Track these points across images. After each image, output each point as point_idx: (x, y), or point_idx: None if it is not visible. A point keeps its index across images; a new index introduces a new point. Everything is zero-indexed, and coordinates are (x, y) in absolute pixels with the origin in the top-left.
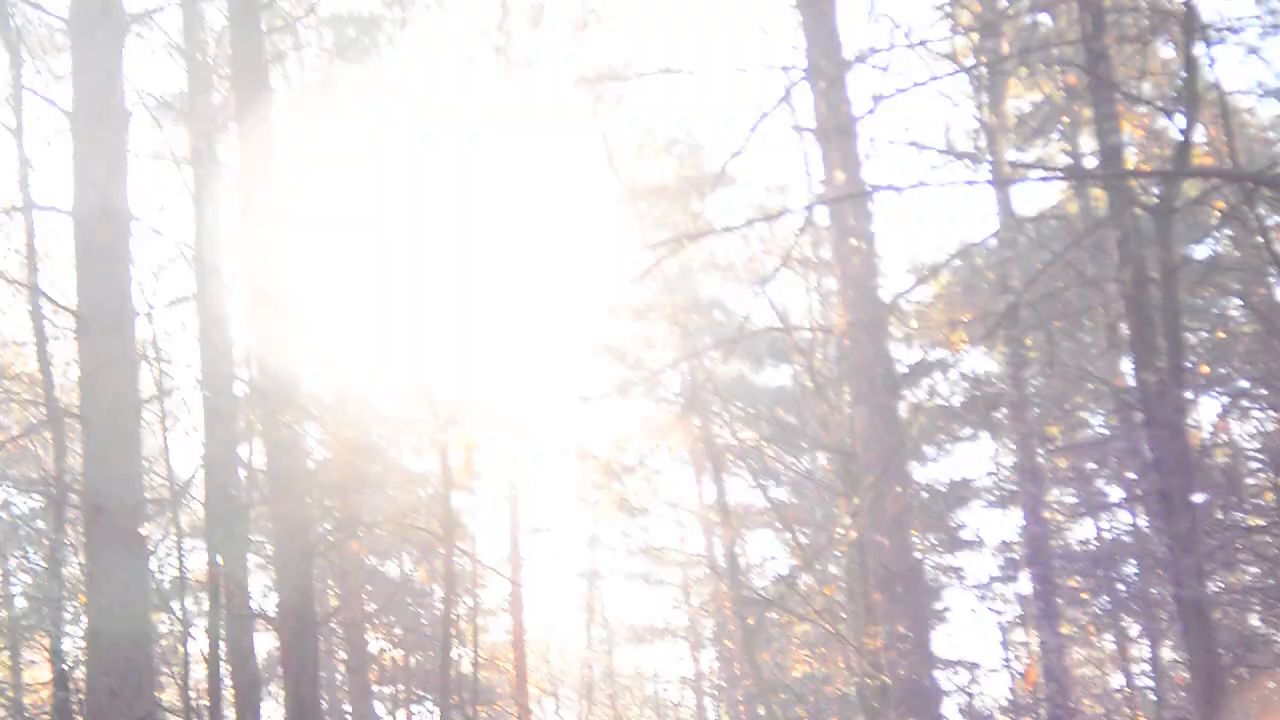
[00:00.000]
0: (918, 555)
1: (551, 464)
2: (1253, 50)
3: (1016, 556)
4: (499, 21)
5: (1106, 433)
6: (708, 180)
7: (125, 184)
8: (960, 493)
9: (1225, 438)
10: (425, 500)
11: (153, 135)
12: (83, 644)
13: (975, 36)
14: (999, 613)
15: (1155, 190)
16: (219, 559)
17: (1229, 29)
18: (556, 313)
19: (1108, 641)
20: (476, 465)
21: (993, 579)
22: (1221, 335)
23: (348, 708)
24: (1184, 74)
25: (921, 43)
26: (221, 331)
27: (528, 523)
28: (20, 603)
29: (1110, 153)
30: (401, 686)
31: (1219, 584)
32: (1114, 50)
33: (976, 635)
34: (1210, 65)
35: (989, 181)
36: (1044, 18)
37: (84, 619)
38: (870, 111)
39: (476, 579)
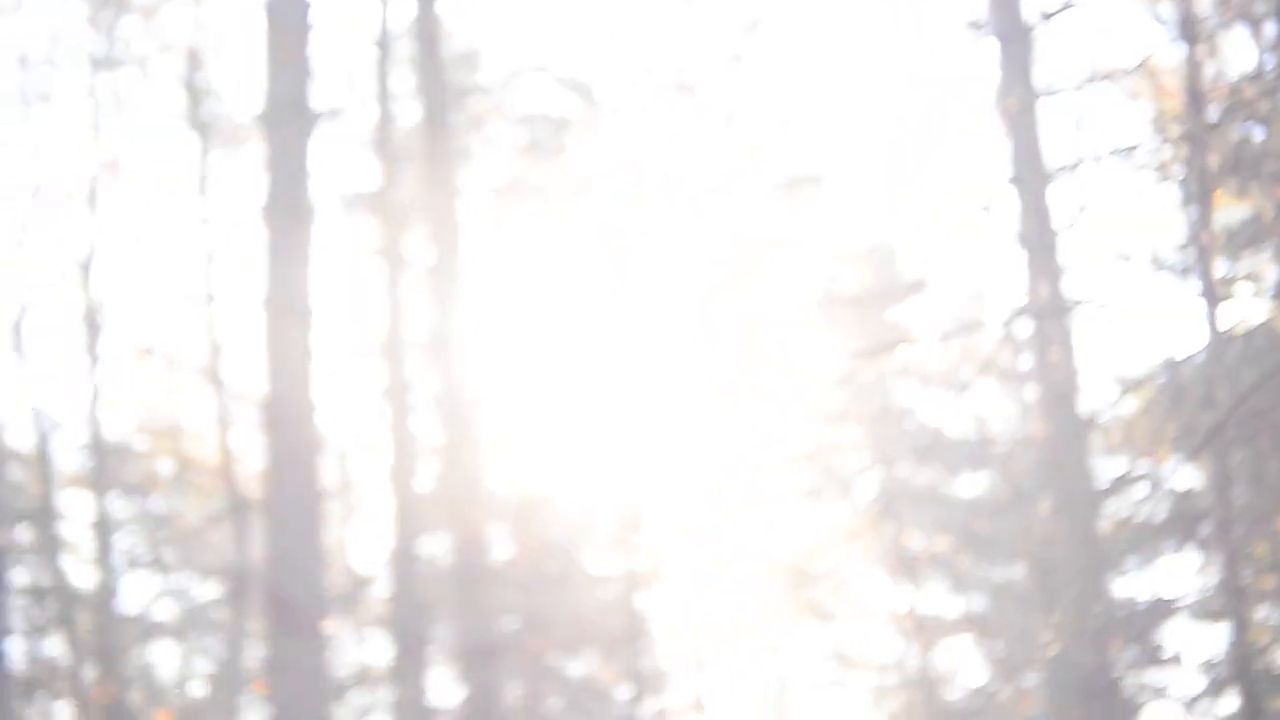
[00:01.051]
0: (1117, 671)
1: (740, 569)
2: None
3: (1220, 675)
4: (687, 121)
5: None
6: (905, 287)
7: (308, 278)
8: (1162, 609)
9: None
10: (609, 601)
11: (342, 228)
12: None
13: (1184, 149)
14: None
15: None
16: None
17: None
18: (746, 416)
19: None
20: (661, 568)
21: (1195, 698)
22: None
23: None
24: None
25: (1128, 151)
26: (408, 427)
27: (712, 624)
28: (198, 690)
29: None
30: None
31: None
32: None
33: None
34: None
35: (1197, 295)
36: (1256, 131)
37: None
38: (1074, 223)
39: (661, 681)
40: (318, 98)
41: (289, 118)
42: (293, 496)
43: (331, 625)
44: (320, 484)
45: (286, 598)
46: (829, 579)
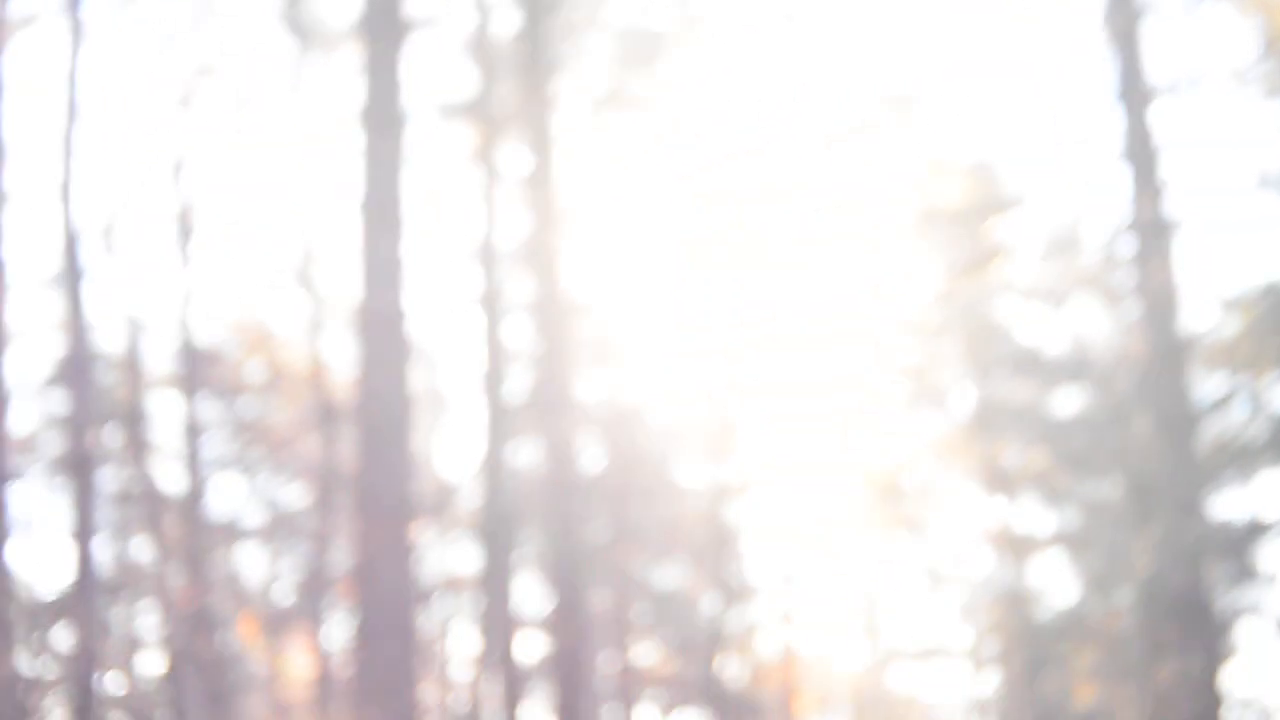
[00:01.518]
0: (1211, 590)
1: (833, 481)
2: None
3: None
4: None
5: None
6: (1005, 202)
7: (401, 182)
8: (1259, 529)
9: None
10: (699, 512)
11: (438, 136)
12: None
13: None
14: None
15: None
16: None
17: None
18: (845, 329)
19: None
20: (752, 479)
21: None
22: None
23: (615, 714)
24: None
25: (1236, 70)
26: (501, 335)
27: (803, 535)
28: (284, 595)
29: None
30: (670, 695)
31: None
32: None
33: (1272, 675)
34: None
35: None
36: None
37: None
38: (1178, 141)
39: (749, 593)
40: (413, 5)
41: (384, 24)
42: (383, 402)
43: (420, 531)
44: (410, 390)
45: (375, 502)
46: (922, 492)
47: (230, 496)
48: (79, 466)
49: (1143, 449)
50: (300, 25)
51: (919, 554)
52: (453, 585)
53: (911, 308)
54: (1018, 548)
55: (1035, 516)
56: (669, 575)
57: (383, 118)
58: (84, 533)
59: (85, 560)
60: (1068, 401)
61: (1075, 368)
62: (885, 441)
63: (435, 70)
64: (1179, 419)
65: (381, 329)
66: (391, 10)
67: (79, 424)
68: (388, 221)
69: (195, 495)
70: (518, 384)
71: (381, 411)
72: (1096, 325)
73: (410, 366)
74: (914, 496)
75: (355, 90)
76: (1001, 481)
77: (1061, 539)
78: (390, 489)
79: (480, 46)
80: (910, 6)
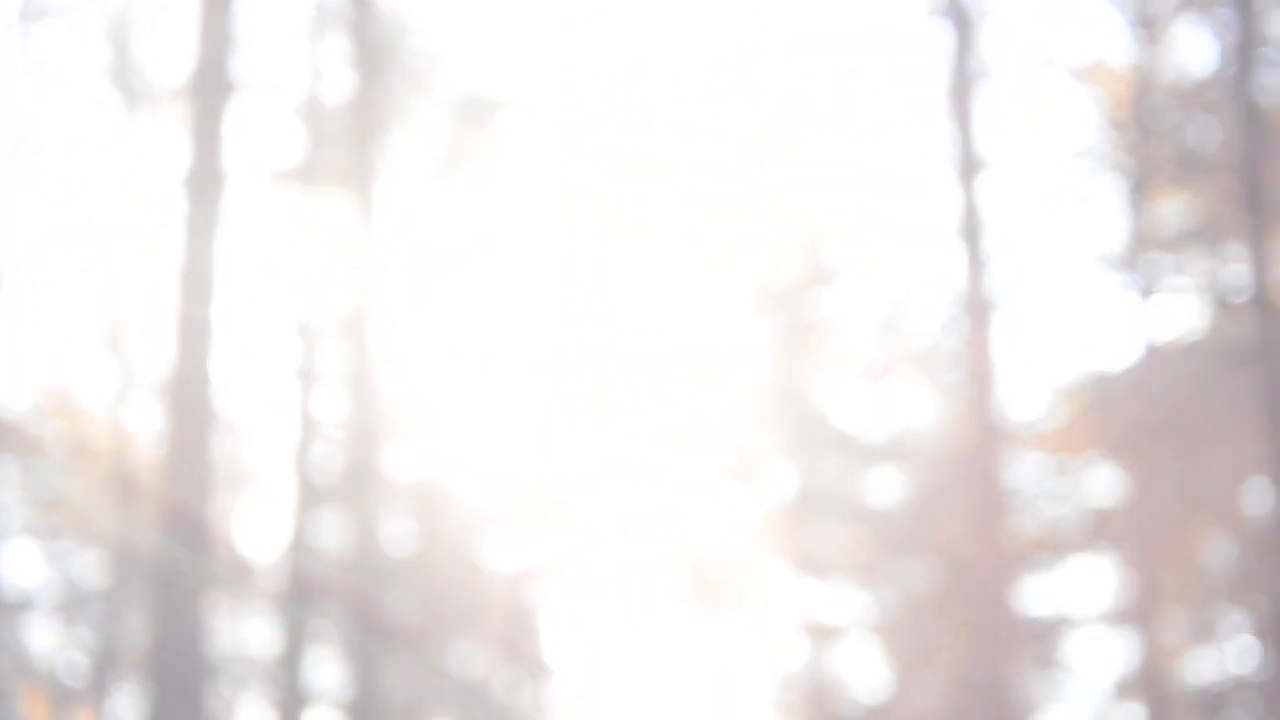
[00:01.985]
0: (1018, 678)
1: (642, 561)
2: None
3: (1126, 685)
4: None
5: (1228, 563)
6: (831, 276)
7: (217, 248)
8: (1067, 618)
9: None
10: (503, 592)
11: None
12: None
13: (1128, 141)
14: None
15: None
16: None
17: None
18: (669, 405)
19: None
20: (558, 559)
21: (1099, 708)
22: None
23: None
24: None
25: (1073, 145)
26: (312, 408)
27: (609, 617)
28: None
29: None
30: None
31: None
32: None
33: None
34: None
35: (1130, 295)
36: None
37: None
38: (1008, 217)
39: (548, 673)
40: (243, 67)
41: (210, 85)
42: (185, 472)
43: (216, 607)
44: (214, 461)
45: (171, 576)
46: (737, 575)
47: (21, 567)
48: None
49: (956, 536)
50: (127, 82)
51: (731, 639)
52: (249, 664)
53: (737, 385)
54: (828, 634)
55: (848, 602)
56: (469, 657)
57: (204, 180)
58: None
59: None
60: (886, 485)
61: (894, 451)
62: (702, 522)
63: (263, 133)
64: (991, 507)
65: (188, 397)
66: (218, 71)
67: None
68: (202, 287)
69: None
70: (327, 459)
71: (183, 482)
72: (920, 407)
73: (215, 437)
74: (728, 579)
75: (179, 152)
76: (815, 566)
77: (872, 623)
78: (188, 562)
79: (309, 110)
80: (752, 70)
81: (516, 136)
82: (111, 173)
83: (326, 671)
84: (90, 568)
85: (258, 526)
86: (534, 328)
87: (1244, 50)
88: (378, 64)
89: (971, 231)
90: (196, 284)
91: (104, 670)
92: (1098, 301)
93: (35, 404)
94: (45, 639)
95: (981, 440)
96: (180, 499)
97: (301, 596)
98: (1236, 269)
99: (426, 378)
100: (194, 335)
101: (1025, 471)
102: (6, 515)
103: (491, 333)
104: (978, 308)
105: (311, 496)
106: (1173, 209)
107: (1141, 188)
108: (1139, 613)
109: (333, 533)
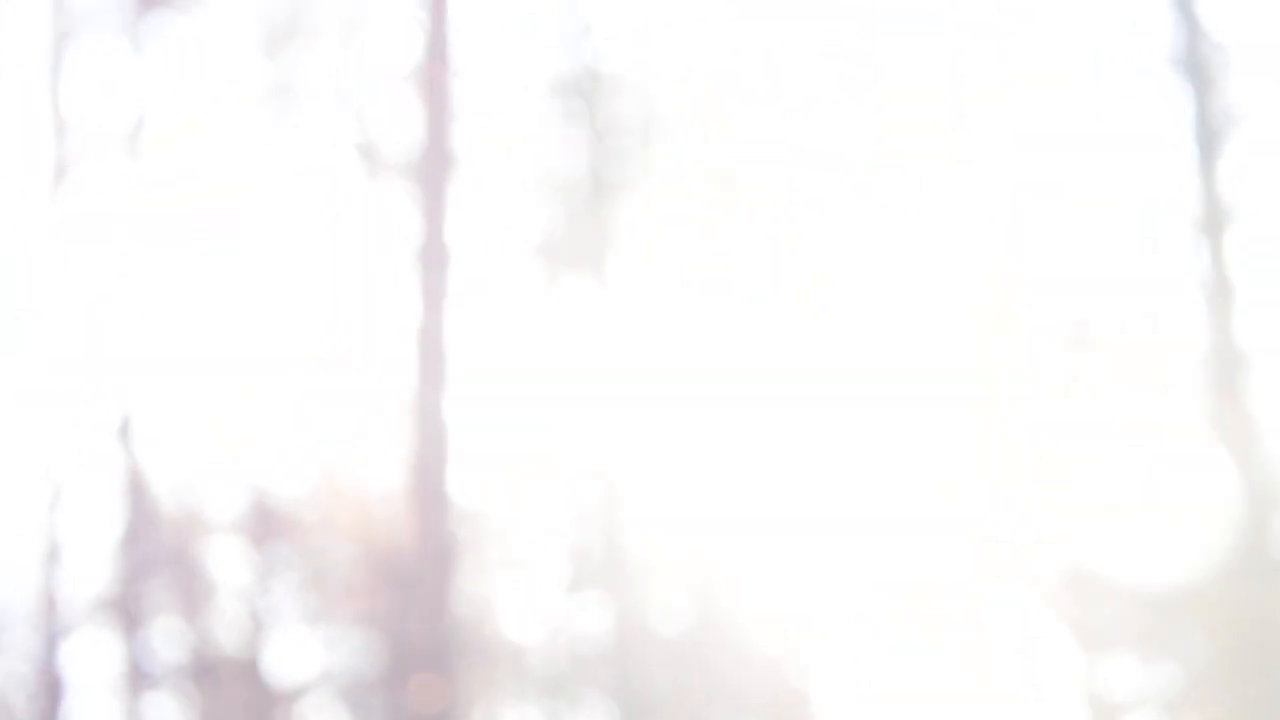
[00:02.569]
0: None
1: (916, 637)
2: None
3: None
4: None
5: None
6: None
7: (448, 321)
8: None
9: None
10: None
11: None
12: None
13: None
14: None
15: None
16: None
17: None
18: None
19: None
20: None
21: None
22: None
23: None
24: None
25: None
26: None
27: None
28: None
29: None
30: None
31: None
32: None
33: None
34: None
35: None
36: None
37: None
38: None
39: None
40: (472, 139)
41: (436, 160)
42: (431, 556)
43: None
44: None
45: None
46: (1012, 647)
47: (292, 655)
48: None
49: (1244, 609)
50: (369, 152)
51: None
52: None
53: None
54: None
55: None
56: None
57: (433, 255)
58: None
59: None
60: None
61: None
62: (983, 593)
63: (499, 207)
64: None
65: (429, 479)
66: (443, 144)
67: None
68: (434, 361)
69: (254, 653)
70: (586, 539)
71: (429, 563)
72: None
73: (456, 518)
74: (1007, 653)
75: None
76: (1097, 639)
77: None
78: (436, 644)
79: (543, 181)
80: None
81: (756, 203)
82: (345, 246)
83: None
84: (359, 654)
85: (518, 610)
86: (791, 400)
87: None
88: (613, 134)
89: (1219, 286)
90: (429, 357)
91: None
92: None
93: (300, 488)
94: None
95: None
96: (432, 581)
97: (566, 679)
98: None
99: (684, 452)
100: (429, 416)
101: None
102: (279, 601)
103: (748, 403)
104: (1227, 367)
105: (573, 577)
106: None
107: None
108: None
109: (594, 614)
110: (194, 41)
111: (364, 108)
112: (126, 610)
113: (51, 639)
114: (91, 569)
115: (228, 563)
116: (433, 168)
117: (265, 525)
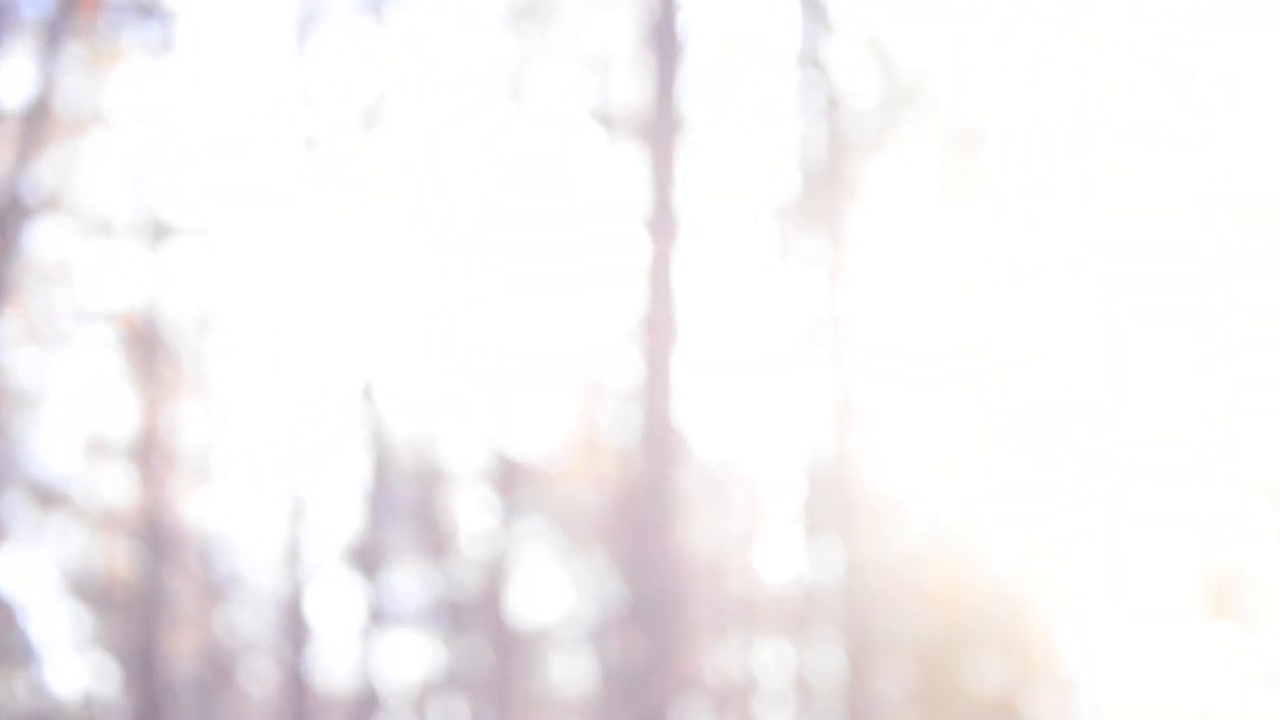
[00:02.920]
0: None
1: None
2: None
3: None
4: None
5: None
6: None
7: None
8: None
9: None
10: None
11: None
12: None
13: None
14: None
15: None
16: None
17: None
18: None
19: None
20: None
21: None
22: None
23: None
24: None
25: None
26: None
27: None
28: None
29: None
30: None
31: None
32: None
33: None
34: None
35: None
36: None
37: None
38: None
39: (1071, 689)
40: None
41: (664, 125)
42: (660, 508)
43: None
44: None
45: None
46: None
47: (534, 599)
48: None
49: None
50: (608, 116)
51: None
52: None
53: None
54: None
55: None
56: (987, 672)
57: (662, 219)
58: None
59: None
60: None
61: None
62: (1232, 535)
63: (731, 168)
64: None
65: (662, 430)
66: (671, 109)
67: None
68: (664, 329)
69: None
70: (819, 487)
71: (657, 515)
72: None
73: (685, 471)
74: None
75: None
76: None
77: None
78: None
79: (779, 146)
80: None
81: (1002, 167)
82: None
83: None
84: (599, 598)
85: (752, 554)
86: (1032, 357)
87: None
88: (851, 99)
89: None
90: (658, 323)
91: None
92: None
93: (541, 440)
94: (562, 669)
95: None
96: (666, 527)
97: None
98: None
99: (915, 404)
100: (661, 369)
101: None
102: (521, 547)
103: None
104: None
105: (808, 521)
106: None
107: None
108: None
109: (826, 557)
110: (433, 13)
111: (600, 76)
112: (371, 557)
113: (298, 585)
114: (340, 519)
115: (471, 512)
116: (662, 132)
117: (508, 475)
